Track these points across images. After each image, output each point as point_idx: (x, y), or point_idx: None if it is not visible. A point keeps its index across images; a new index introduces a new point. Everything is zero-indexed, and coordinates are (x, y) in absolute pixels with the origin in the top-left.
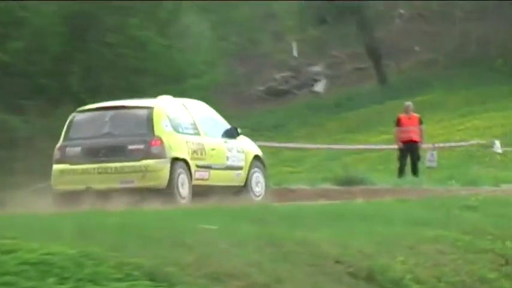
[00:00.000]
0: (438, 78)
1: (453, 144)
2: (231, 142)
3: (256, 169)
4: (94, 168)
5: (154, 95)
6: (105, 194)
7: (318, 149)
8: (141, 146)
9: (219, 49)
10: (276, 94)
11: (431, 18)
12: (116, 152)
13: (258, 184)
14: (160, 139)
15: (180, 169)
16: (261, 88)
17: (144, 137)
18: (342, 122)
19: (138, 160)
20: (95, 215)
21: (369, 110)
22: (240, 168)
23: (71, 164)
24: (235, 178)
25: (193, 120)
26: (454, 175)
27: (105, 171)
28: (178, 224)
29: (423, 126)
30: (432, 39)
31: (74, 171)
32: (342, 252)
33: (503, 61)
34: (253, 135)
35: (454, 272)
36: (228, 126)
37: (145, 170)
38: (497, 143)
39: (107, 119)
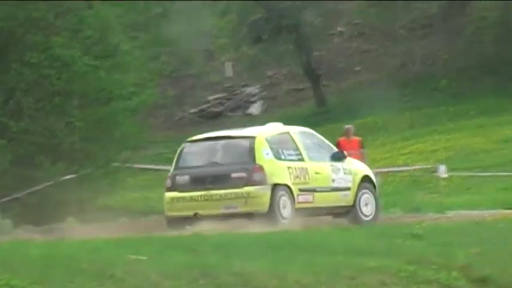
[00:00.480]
0: (380, 99)
1: (396, 169)
2: (338, 165)
3: (365, 190)
4: (201, 196)
5: (81, 117)
6: (211, 219)
7: None
8: (243, 174)
9: (149, 69)
10: (209, 117)
11: (372, 36)
12: (221, 180)
13: (368, 205)
14: (261, 167)
15: (281, 195)
16: (194, 110)
17: (246, 165)
18: None
19: (241, 187)
20: (20, 246)
21: None
22: (347, 189)
23: (180, 191)
24: (341, 199)
25: (297, 147)
26: (397, 202)
27: (210, 198)
28: (107, 254)
29: (364, 150)
30: (373, 58)
31: (182, 199)
32: (279, 283)
33: (447, 81)
34: None
35: None
36: (335, 150)
37: (247, 196)
38: (442, 167)
39: (213, 149)
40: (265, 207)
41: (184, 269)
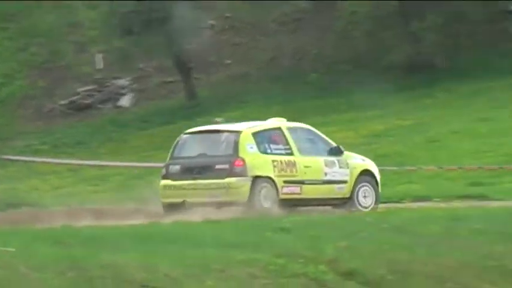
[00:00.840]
0: (250, 93)
1: None
2: (333, 159)
3: (364, 183)
4: (188, 184)
5: None
6: (197, 206)
7: (123, 167)
8: (226, 166)
9: (19, 60)
10: (79, 109)
11: (243, 30)
12: (207, 170)
13: (366, 197)
14: (243, 160)
15: (262, 186)
16: (63, 102)
17: (229, 157)
18: (148, 139)
19: (223, 178)
20: None
21: (178, 126)
22: (343, 182)
23: (172, 180)
24: (336, 191)
25: (287, 141)
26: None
27: (197, 187)
28: None
29: None
30: (244, 51)
31: (173, 186)
32: (148, 276)
33: (317, 75)
34: (53, 152)
35: None
36: (332, 145)
37: (228, 187)
38: None
39: (204, 141)
40: (244, 197)
41: (53, 261)
